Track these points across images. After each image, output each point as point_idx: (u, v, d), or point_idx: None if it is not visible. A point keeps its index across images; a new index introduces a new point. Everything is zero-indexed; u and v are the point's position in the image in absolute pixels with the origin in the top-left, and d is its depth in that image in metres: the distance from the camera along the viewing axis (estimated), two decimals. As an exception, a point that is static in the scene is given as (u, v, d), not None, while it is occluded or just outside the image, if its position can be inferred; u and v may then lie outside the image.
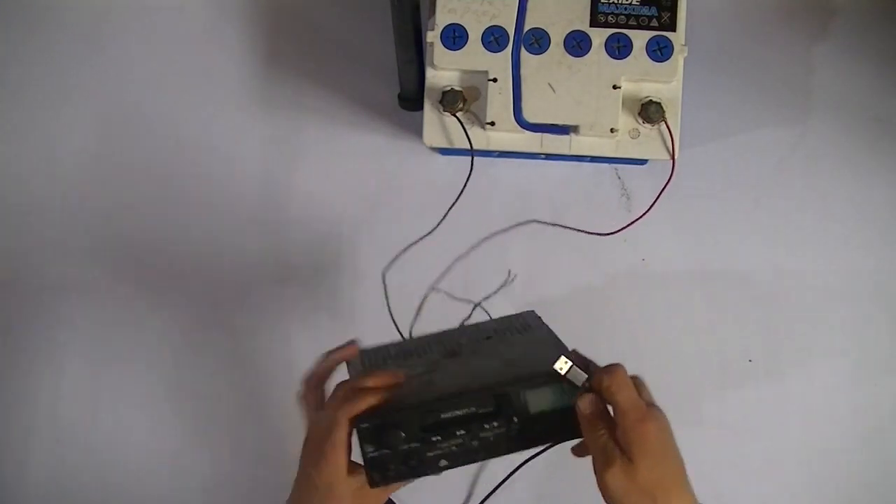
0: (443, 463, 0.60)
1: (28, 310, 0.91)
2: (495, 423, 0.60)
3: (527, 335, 0.72)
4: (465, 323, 0.87)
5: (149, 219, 0.92)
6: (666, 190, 0.86)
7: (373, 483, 0.60)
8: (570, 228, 0.89)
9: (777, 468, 0.88)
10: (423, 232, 0.88)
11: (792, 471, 0.88)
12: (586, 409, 0.59)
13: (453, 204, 0.85)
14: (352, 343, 0.67)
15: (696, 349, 0.89)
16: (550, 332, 0.72)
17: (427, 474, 0.60)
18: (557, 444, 0.62)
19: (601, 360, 0.91)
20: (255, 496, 0.88)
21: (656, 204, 0.88)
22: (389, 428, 0.59)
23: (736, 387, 0.88)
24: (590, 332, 0.89)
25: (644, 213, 0.87)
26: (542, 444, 0.62)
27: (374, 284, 0.87)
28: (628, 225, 0.88)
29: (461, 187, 0.86)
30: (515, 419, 0.60)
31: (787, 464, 0.88)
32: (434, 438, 0.60)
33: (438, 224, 0.85)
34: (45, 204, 0.92)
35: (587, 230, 0.89)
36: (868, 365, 0.88)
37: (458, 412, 0.60)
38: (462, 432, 0.60)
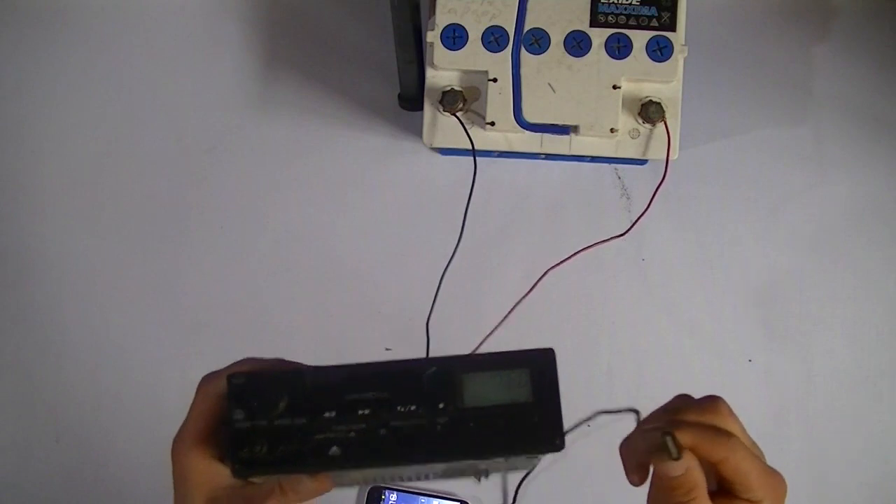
0: (334, 451, 0.45)
1: (28, 309, 0.91)
2: (413, 408, 0.45)
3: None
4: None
5: (149, 219, 0.92)
6: (666, 190, 0.85)
7: (235, 468, 0.45)
8: (586, 249, 0.88)
9: (777, 468, 0.88)
10: (423, 233, 0.88)
11: (792, 471, 0.87)
12: (675, 472, 0.44)
13: (466, 212, 0.84)
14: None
15: (696, 349, 0.89)
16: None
17: (310, 468, 0.46)
18: (498, 457, 0.46)
19: (601, 361, 0.91)
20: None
21: (657, 204, 0.88)
22: (270, 389, 0.45)
23: (736, 387, 0.88)
24: (590, 333, 0.89)
25: (644, 212, 0.87)
26: (477, 454, 0.45)
27: (374, 284, 0.87)
28: (632, 226, 0.88)
29: (461, 187, 0.86)
30: (441, 406, 0.45)
31: (786, 464, 0.88)
32: (327, 415, 0.45)
33: (459, 241, 0.83)
34: (45, 204, 0.92)
35: (596, 241, 0.89)
36: (868, 365, 0.88)
37: (368, 395, 0.45)
38: (366, 412, 0.45)
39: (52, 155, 0.93)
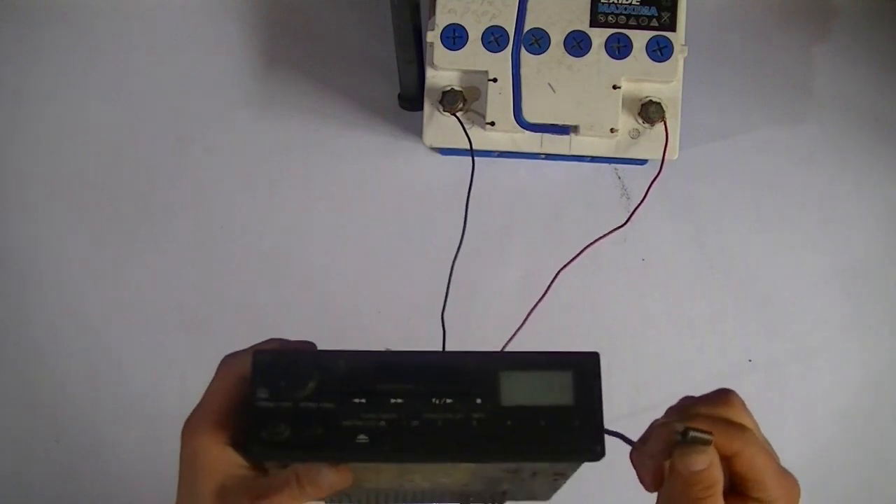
0: (361, 438, 0.42)
1: (28, 309, 0.91)
2: (448, 401, 0.43)
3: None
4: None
5: (148, 218, 0.92)
6: (666, 190, 0.86)
7: (250, 449, 0.42)
8: (591, 245, 0.86)
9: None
10: (423, 233, 0.88)
11: (792, 471, 0.88)
12: (699, 466, 0.42)
13: (466, 213, 0.84)
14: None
15: (696, 349, 0.89)
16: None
17: (334, 456, 0.43)
18: (534, 461, 0.44)
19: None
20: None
21: (657, 204, 0.88)
22: (298, 368, 0.42)
23: (736, 387, 0.88)
24: (590, 333, 0.89)
25: (640, 203, 0.85)
26: (512, 456, 0.43)
27: (374, 284, 0.87)
28: (630, 217, 0.87)
29: (461, 187, 0.86)
30: (479, 401, 0.43)
31: (786, 464, 0.88)
32: (357, 401, 0.43)
33: (461, 239, 0.82)
34: (44, 203, 0.92)
35: (596, 237, 0.89)
36: (868, 365, 0.88)
37: (402, 386, 0.43)
38: (399, 401, 0.43)
39: (52, 155, 0.93)
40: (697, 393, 0.88)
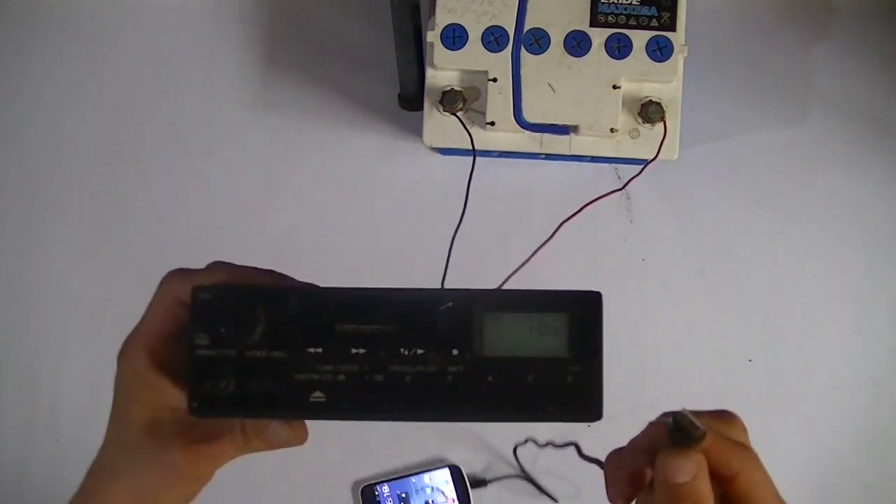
0: (316, 396, 0.36)
1: (29, 308, 0.91)
2: (420, 352, 0.36)
3: None
4: None
5: (149, 219, 0.92)
6: (666, 190, 0.86)
7: (193, 406, 0.37)
8: (589, 204, 0.84)
9: (777, 468, 0.88)
10: (423, 233, 0.88)
11: (792, 471, 0.88)
12: (683, 475, 0.36)
13: (463, 211, 0.84)
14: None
15: (696, 349, 0.89)
16: None
17: (284, 413, 0.37)
18: (518, 421, 0.37)
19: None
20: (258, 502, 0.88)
21: (657, 204, 0.88)
22: (243, 310, 0.36)
23: (736, 387, 0.88)
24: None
25: (636, 175, 0.83)
26: (491, 416, 0.37)
27: (374, 284, 0.87)
28: (625, 185, 0.87)
29: (461, 187, 0.86)
30: (455, 353, 0.36)
31: (786, 464, 0.88)
32: (312, 350, 0.36)
33: (455, 234, 0.82)
34: (45, 203, 0.92)
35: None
36: (868, 365, 0.88)
37: (365, 328, 0.36)
38: (361, 352, 0.36)
39: (52, 155, 0.93)
40: (696, 393, 0.89)
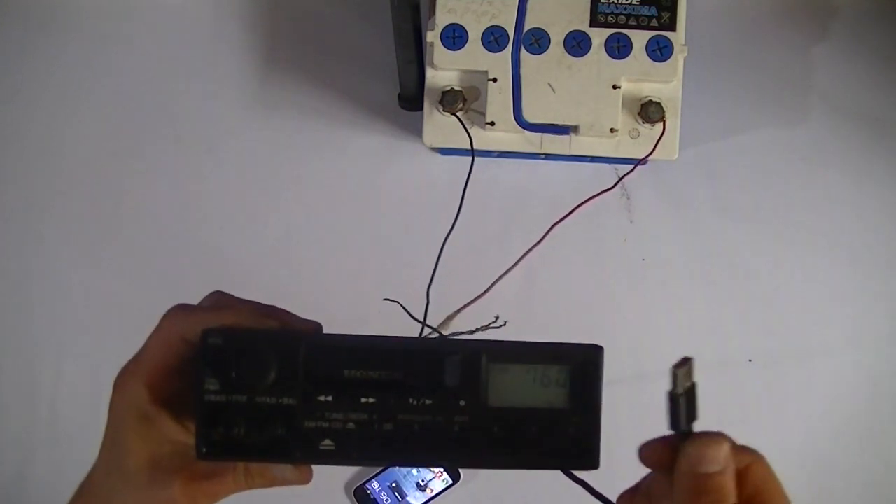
0: (326, 444, 0.36)
1: (29, 308, 0.91)
2: (428, 402, 0.37)
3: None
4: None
5: (149, 218, 0.92)
6: (666, 190, 0.86)
7: (200, 450, 0.36)
8: (583, 204, 0.85)
9: (776, 468, 0.88)
10: (423, 233, 0.88)
11: (792, 471, 0.88)
12: (713, 465, 0.36)
13: (459, 209, 0.85)
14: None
15: (696, 349, 0.89)
16: None
17: (294, 458, 0.37)
18: (520, 468, 0.38)
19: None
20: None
21: (657, 204, 0.88)
22: (254, 356, 0.36)
23: (736, 387, 0.88)
24: (590, 333, 0.89)
25: (630, 171, 0.85)
26: (495, 464, 0.38)
27: (374, 284, 0.87)
28: (619, 180, 0.87)
29: (461, 187, 0.86)
30: (462, 404, 0.37)
31: (786, 464, 0.88)
32: (322, 398, 0.37)
33: (453, 226, 0.82)
34: (45, 203, 0.92)
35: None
36: (868, 365, 0.88)
37: (373, 374, 0.37)
38: (371, 401, 0.37)
39: (53, 155, 0.93)
40: (698, 393, 0.88)
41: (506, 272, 0.78)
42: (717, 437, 0.37)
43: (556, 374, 0.38)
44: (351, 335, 0.38)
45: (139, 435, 0.39)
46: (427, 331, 0.71)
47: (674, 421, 0.40)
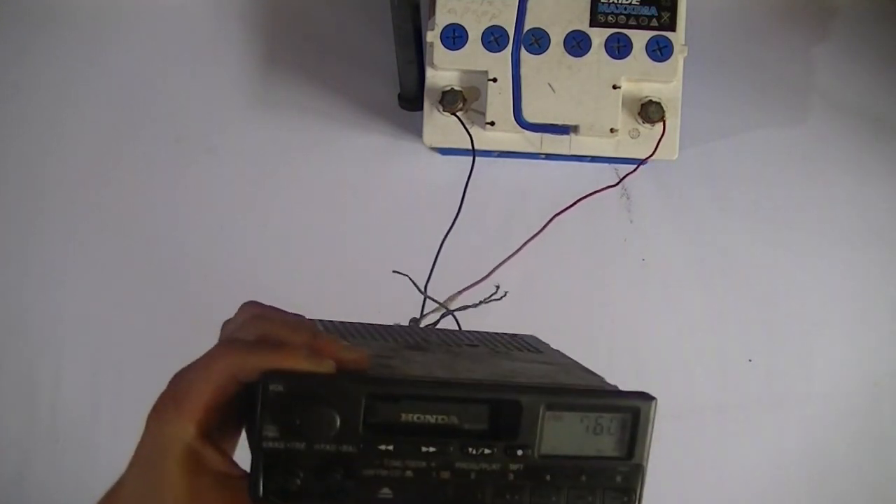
0: (384, 493, 0.36)
1: (29, 309, 0.91)
2: (486, 451, 0.37)
3: (532, 354, 0.51)
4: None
5: (150, 219, 0.92)
6: (666, 190, 0.86)
7: (258, 495, 0.36)
8: (584, 198, 0.85)
9: (777, 468, 0.88)
10: (423, 232, 0.88)
11: (792, 471, 0.88)
12: None
13: (460, 208, 0.85)
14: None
15: (696, 349, 0.89)
16: (568, 357, 0.51)
17: None
18: None
19: (601, 360, 0.91)
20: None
21: (657, 204, 0.88)
22: (317, 404, 0.36)
23: (736, 387, 0.88)
24: (590, 332, 0.89)
25: (632, 171, 0.84)
26: None
27: (374, 284, 0.87)
28: (621, 180, 0.87)
29: (461, 187, 0.86)
30: (519, 453, 0.37)
31: (787, 464, 0.88)
32: (383, 447, 0.36)
33: (453, 223, 0.82)
34: (46, 202, 0.92)
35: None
36: (868, 365, 0.88)
37: (430, 418, 0.37)
38: (431, 450, 0.37)
39: (52, 155, 0.93)
40: (696, 393, 0.88)
41: (507, 258, 0.78)
42: None
43: (608, 423, 0.38)
44: (409, 380, 0.39)
45: (184, 469, 0.38)
46: (432, 305, 0.72)
47: None
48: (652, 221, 0.89)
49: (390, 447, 0.36)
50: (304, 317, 0.43)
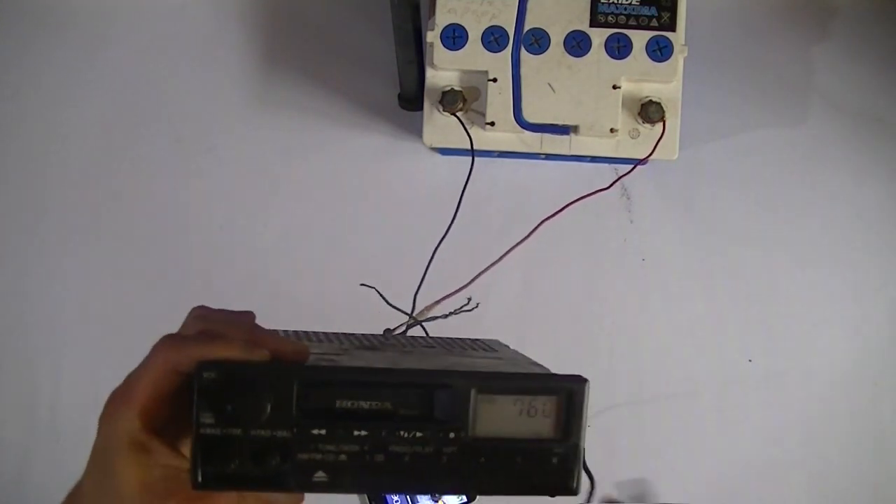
0: (319, 476, 0.38)
1: (29, 309, 0.91)
2: (418, 434, 0.38)
3: (489, 353, 0.51)
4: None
5: (148, 218, 0.92)
6: (666, 190, 0.86)
7: (197, 480, 0.37)
8: (575, 202, 0.85)
9: (777, 468, 0.88)
10: (423, 233, 0.88)
11: (792, 471, 0.88)
12: None
13: (457, 208, 0.85)
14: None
15: (696, 349, 0.89)
16: (525, 357, 0.50)
17: (287, 489, 0.38)
18: (504, 495, 0.40)
19: (601, 360, 0.92)
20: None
21: (657, 204, 0.88)
22: (250, 390, 0.37)
23: (736, 387, 0.88)
24: (590, 332, 0.89)
25: (628, 172, 0.86)
26: (481, 491, 0.40)
27: (374, 284, 0.87)
28: (616, 181, 0.88)
29: (461, 187, 0.86)
30: (452, 436, 0.38)
31: (787, 464, 0.88)
32: (316, 431, 0.38)
33: (447, 232, 0.82)
34: (45, 202, 0.92)
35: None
36: (868, 365, 0.88)
37: (364, 404, 0.38)
38: (363, 433, 0.38)
39: (53, 155, 0.93)
40: (696, 393, 0.89)
41: (489, 266, 0.79)
42: None
43: (542, 405, 0.39)
44: (342, 366, 0.40)
45: (133, 462, 0.39)
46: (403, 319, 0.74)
47: None
48: (652, 221, 0.89)
49: (323, 431, 0.37)
50: (251, 314, 0.44)
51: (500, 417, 0.39)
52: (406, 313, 0.77)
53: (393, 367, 0.41)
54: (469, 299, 0.80)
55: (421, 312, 0.77)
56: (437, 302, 0.77)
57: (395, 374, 0.39)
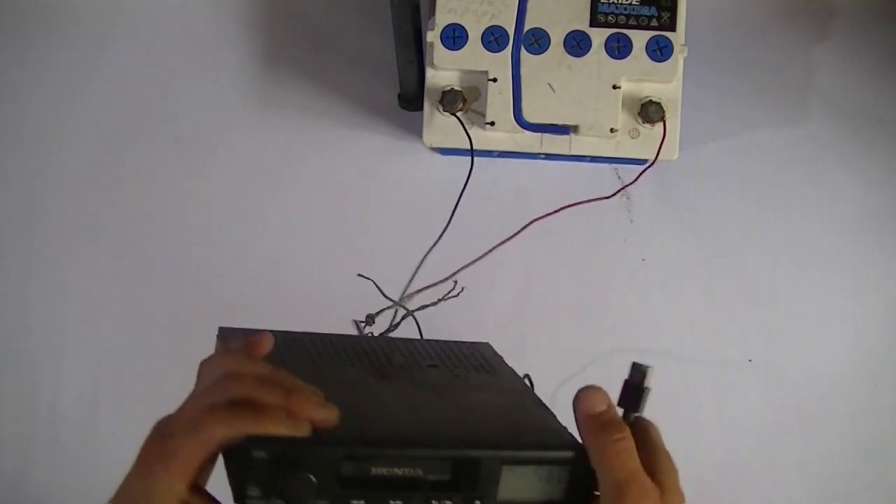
0: None
1: (29, 309, 0.91)
2: (448, 503, 0.42)
3: (487, 377, 0.55)
4: (392, 334, 0.76)
5: (149, 218, 0.92)
6: (666, 191, 0.86)
7: None
8: (570, 206, 0.87)
9: (777, 468, 0.88)
10: (423, 232, 0.88)
11: (791, 471, 0.88)
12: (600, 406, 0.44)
13: (456, 207, 0.85)
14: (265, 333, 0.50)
15: (696, 349, 0.89)
16: (517, 376, 0.56)
17: None
18: None
19: (601, 360, 0.92)
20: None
21: (657, 204, 0.88)
22: (296, 468, 0.40)
23: (736, 387, 0.88)
24: (590, 332, 0.89)
25: (631, 183, 0.87)
26: None
27: (370, 284, 0.87)
28: (617, 192, 0.88)
29: (460, 187, 0.86)
30: (478, 502, 0.43)
31: (786, 464, 0.88)
32: (355, 502, 0.41)
33: (444, 230, 0.83)
34: (46, 203, 0.92)
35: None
36: (868, 365, 0.88)
37: (398, 471, 0.41)
38: (398, 503, 0.42)
39: (53, 155, 0.93)
40: (696, 392, 0.88)
41: (473, 261, 0.81)
42: (596, 387, 0.45)
43: (558, 473, 0.43)
44: (380, 439, 0.42)
45: None
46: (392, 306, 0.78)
47: (630, 405, 0.46)
48: (652, 221, 0.89)
49: (362, 502, 0.41)
50: (272, 367, 0.45)
51: (521, 485, 0.43)
52: (402, 306, 0.79)
53: (420, 425, 0.45)
54: (455, 282, 0.81)
55: (404, 299, 0.81)
56: (419, 291, 0.80)
57: (427, 448, 0.42)
